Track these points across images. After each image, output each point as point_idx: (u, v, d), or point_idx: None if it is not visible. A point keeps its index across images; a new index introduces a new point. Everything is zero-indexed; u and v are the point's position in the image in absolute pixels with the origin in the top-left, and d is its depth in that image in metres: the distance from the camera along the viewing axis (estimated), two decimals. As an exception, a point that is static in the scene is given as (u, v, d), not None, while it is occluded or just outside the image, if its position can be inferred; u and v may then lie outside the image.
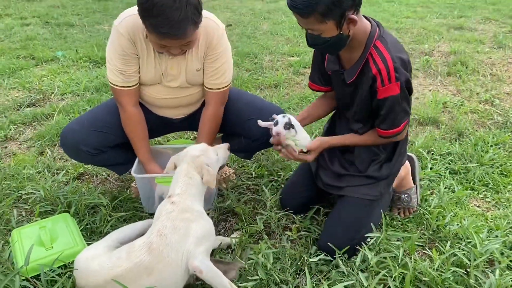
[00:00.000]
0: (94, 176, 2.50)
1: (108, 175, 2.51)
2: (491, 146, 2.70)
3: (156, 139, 2.72)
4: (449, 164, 2.56)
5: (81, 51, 4.59)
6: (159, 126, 2.18)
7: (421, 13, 6.14)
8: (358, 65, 1.72)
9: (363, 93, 1.76)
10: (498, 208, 2.20)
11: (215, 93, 2.04)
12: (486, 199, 2.28)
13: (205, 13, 1.87)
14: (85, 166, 2.56)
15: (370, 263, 1.69)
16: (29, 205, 2.15)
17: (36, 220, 2.02)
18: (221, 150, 1.91)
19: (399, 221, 2.07)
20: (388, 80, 1.64)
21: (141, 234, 1.75)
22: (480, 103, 3.40)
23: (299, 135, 1.84)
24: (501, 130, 2.95)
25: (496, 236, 1.88)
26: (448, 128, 2.98)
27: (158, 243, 1.51)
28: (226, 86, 2.04)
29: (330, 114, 2.16)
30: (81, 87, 3.65)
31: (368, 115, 1.84)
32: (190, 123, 2.24)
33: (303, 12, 1.53)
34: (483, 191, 2.33)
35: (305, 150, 1.85)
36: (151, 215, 1.89)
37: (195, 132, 2.72)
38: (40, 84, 3.76)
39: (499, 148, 2.70)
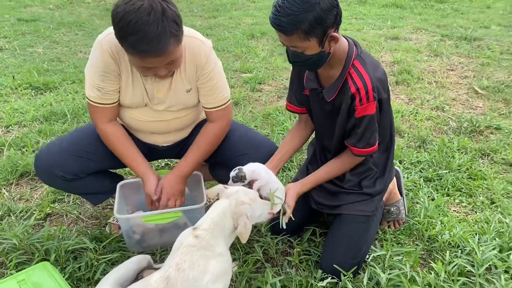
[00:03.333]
0: (64, 216, 2.30)
1: (80, 213, 2.32)
2: (455, 151, 2.84)
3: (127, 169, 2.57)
4: (421, 172, 2.65)
5: (18, 77, 4.25)
6: (144, 153, 2.04)
7: (357, 25, 6.40)
8: (337, 84, 1.74)
9: (343, 112, 1.77)
10: (475, 212, 2.31)
11: (218, 111, 1.96)
12: (462, 203, 2.38)
13: (189, 31, 1.81)
14: (52, 205, 2.35)
15: (381, 282, 1.70)
16: (-2, 257, 1.93)
17: (11, 273, 1.81)
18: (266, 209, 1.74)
19: (391, 234, 2.11)
20: (366, 100, 1.67)
21: (138, 271, 1.66)
22: (432, 110, 3.58)
23: (270, 185, 1.79)
24: (458, 135, 3.12)
25: (485, 241, 1.97)
26: (411, 137, 3.10)
27: (176, 278, 1.40)
28: (227, 102, 1.97)
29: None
30: (28, 117, 3.37)
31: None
32: (178, 151, 2.13)
33: (286, 30, 1.52)
34: (458, 196, 2.43)
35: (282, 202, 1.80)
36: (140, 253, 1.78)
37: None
38: (-22, 116, 3.44)
39: (462, 153, 2.85)
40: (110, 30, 1.71)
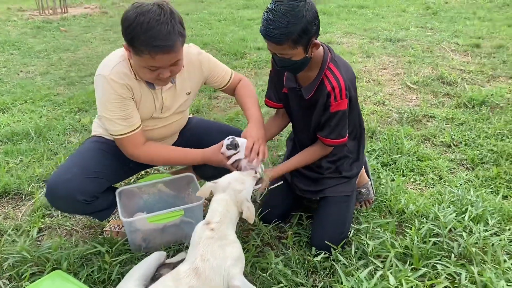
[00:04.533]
0: (57, 229, 2.37)
1: (72, 225, 2.39)
2: (403, 138, 3.23)
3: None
4: (377, 158, 3.01)
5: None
6: (141, 163, 2.18)
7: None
8: (314, 83, 2.01)
9: (319, 108, 2.05)
10: (428, 187, 2.69)
11: (231, 82, 2.27)
12: (416, 182, 2.76)
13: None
14: (42, 220, 2.40)
15: (367, 250, 1.98)
16: (6, 273, 1.98)
17: (25, 285, 1.87)
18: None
19: (364, 212, 2.41)
20: (340, 97, 1.96)
21: (157, 267, 1.84)
22: (374, 104, 4.00)
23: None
24: (402, 124, 3.53)
25: (443, 208, 2.33)
26: (362, 129, 3.46)
27: (204, 268, 1.59)
28: (232, 74, 2.28)
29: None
30: (-12, 138, 3.32)
31: None
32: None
33: (278, 41, 1.77)
34: (412, 176, 2.81)
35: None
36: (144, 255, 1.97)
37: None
38: None
39: (408, 139, 3.25)
40: (111, 63, 1.88)
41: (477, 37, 6.01)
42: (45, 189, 2.59)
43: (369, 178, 2.51)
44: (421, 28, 6.81)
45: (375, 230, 2.13)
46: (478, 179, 2.72)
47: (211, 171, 2.23)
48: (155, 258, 1.84)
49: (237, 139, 2.02)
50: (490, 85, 4.36)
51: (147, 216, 2.05)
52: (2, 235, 2.30)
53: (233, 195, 1.81)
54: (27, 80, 4.94)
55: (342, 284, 1.78)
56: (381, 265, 1.86)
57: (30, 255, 1.98)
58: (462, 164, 2.94)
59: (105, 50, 6.24)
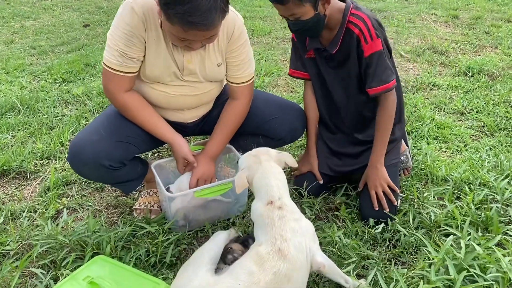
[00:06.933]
0: (78, 209, 2.11)
1: (95, 204, 2.15)
2: (419, 106, 3.18)
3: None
4: (398, 127, 2.94)
5: None
6: None
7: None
8: (339, 34, 1.89)
9: (352, 59, 1.90)
10: (455, 154, 2.65)
11: (244, 87, 1.95)
12: (442, 149, 2.72)
13: None
14: (59, 201, 2.14)
15: (427, 218, 1.91)
16: (39, 261, 1.73)
17: (67, 274, 1.63)
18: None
19: (405, 181, 2.34)
20: (370, 37, 1.82)
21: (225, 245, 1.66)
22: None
23: None
24: (413, 93, 3.49)
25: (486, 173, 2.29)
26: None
27: (288, 247, 1.43)
28: (252, 77, 1.98)
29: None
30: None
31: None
32: (202, 126, 2.09)
33: (281, 0, 1.69)
34: (437, 143, 2.76)
35: None
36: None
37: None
38: None
39: (422, 107, 3.21)
40: None
41: (454, 9, 6.09)
42: (63, 166, 2.35)
43: (407, 145, 2.42)
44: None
45: (426, 198, 2.06)
46: (502, 145, 2.71)
47: (246, 143, 2.06)
48: (223, 237, 1.67)
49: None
50: (479, 55, 4.41)
51: (195, 190, 1.85)
52: (14, 218, 2.02)
53: (271, 159, 1.69)
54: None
55: (428, 254, 1.67)
56: (458, 233, 1.77)
57: (67, 239, 1.74)
58: (481, 131, 2.93)
59: (71, 18, 5.76)
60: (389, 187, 2.00)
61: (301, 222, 1.55)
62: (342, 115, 2.14)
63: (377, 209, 1.94)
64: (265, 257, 1.42)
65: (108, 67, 1.72)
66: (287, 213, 1.52)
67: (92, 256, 1.69)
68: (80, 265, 1.63)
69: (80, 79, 3.65)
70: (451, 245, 1.68)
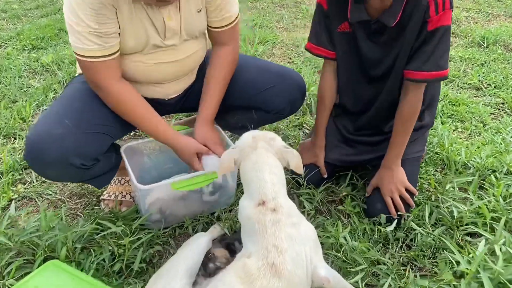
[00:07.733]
0: (36, 199, 1.79)
1: (56, 193, 1.82)
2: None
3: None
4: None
5: None
6: None
7: None
8: (400, 2, 1.45)
9: (410, 34, 1.48)
10: (473, 136, 2.33)
11: (231, 29, 1.62)
12: (458, 129, 2.40)
13: None
14: (14, 188, 1.81)
15: (447, 214, 1.61)
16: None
17: (11, 284, 1.32)
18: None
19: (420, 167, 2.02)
20: (443, 6, 1.41)
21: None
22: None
23: None
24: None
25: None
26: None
27: (284, 262, 1.12)
28: (237, 18, 1.63)
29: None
30: None
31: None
32: (184, 102, 1.75)
33: None
34: (452, 123, 2.44)
35: None
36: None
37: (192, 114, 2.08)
38: None
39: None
40: None
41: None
42: (23, 147, 2.01)
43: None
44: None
45: (445, 189, 1.74)
46: (526, 125, 2.40)
47: (244, 120, 1.72)
48: (204, 243, 1.35)
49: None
50: (493, 24, 4.04)
51: (171, 181, 1.53)
52: (-40, 211, 1.70)
53: (269, 147, 1.33)
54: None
55: (453, 260, 1.37)
56: (488, 235, 1.47)
57: (11, 241, 1.41)
58: (501, 108, 2.61)
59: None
60: (407, 189, 1.66)
61: (300, 226, 1.23)
62: (375, 104, 1.72)
63: (395, 217, 1.61)
64: (255, 274, 1.10)
65: (88, 57, 1.36)
66: (282, 217, 1.19)
67: (44, 261, 1.38)
68: (29, 272, 1.32)
69: (51, 46, 3.26)
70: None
